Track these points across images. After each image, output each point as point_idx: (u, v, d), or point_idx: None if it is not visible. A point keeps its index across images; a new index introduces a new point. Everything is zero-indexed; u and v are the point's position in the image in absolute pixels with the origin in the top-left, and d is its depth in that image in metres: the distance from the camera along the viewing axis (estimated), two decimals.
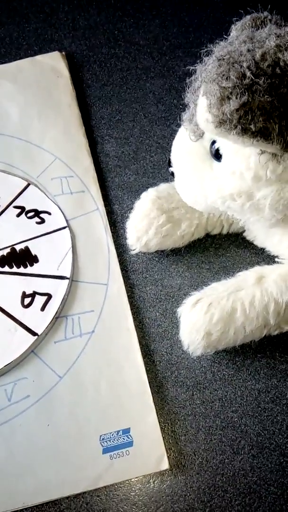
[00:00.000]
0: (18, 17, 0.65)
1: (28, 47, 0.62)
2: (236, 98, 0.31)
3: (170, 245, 0.48)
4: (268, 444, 0.42)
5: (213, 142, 0.38)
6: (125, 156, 0.55)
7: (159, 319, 0.47)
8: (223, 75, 0.32)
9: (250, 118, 0.31)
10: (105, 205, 0.52)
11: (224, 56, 0.33)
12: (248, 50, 0.33)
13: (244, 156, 0.35)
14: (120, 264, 0.49)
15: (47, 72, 0.60)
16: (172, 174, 0.42)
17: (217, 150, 0.37)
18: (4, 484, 0.41)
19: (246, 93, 0.31)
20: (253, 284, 0.42)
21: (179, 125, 0.57)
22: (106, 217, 0.51)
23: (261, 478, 0.41)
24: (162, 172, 0.54)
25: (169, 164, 0.43)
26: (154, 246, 0.47)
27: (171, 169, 0.42)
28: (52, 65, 0.60)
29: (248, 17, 0.38)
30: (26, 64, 0.60)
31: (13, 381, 0.44)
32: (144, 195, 0.48)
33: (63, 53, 0.61)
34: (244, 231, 0.49)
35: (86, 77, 0.60)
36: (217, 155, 0.37)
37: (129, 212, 0.51)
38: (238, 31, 0.38)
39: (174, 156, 0.42)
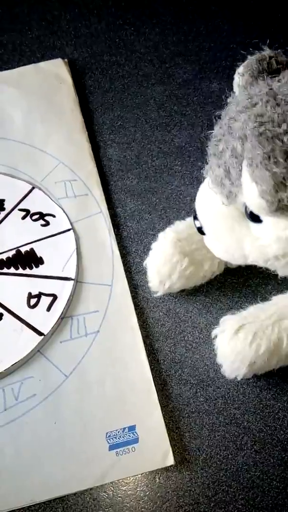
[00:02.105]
0: (20, 24, 0.66)
1: (30, 54, 0.63)
2: None
3: (193, 285, 0.48)
4: (270, 439, 0.43)
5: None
6: (127, 161, 0.57)
7: (163, 319, 0.48)
8: (269, 157, 0.30)
9: None
10: (108, 208, 0.53)
11: (259, 128, 0.32)
12: (279, 115, 0.32)
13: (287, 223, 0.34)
14: (123, 265, 0.50)
15: (50, 79, 0.61)
16: (199, 230, 0.41)
17: (255, 213, 0.36)
18: (12, 481, 0.42)
19: None
20: None
21: (179, 130, 0.59)
22: (109, 219, 0.52)
23: (264, 472, 0.42)
24: (164, 176, 0.55)
25: (194, 218, 0.41)
26: (177, 288, 0.47)
27: (197, 223, 0.40)
28: (55, 72, 0.61)
29: (252, 60, 0.37)
30: (29, 70, 0.61)
31: (20, 380, 0.45)
32: (162, 236, 0.47)
33: (66, 60, 0.62)
34: None
35: (88, 83, 0.62)
36: (253, 217, 0.36)
37: (132, 217, 0.52)
38: (245, 77, 0.37)
39: (203, 216, 0.40)
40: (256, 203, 0.32)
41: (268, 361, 0.42)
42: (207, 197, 0.39)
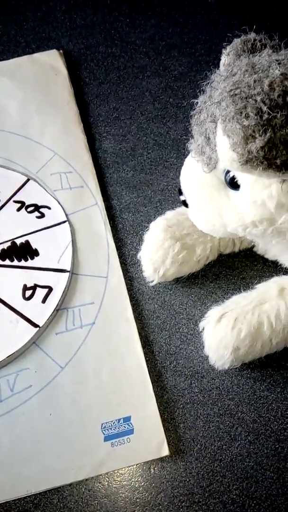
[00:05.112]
0: (15, 15, 0.65)
1: (26, 45, 0.63)
2: (260, 135, 0.31)
3: (187, 271, 0.48)
4: (264, 430, 0.44)
5: (228, 171, 0.37)
6: (123, 153, 0.56)
7: (158, 311, 0.48)
8: (241, 112, 0.32)
9: (275, 153, 0.32)
10: (104, 200, 0.53)
11: (235, 90, 0.33)
12: (255, 81, 0.33)
13: (264, 185, 0.35)
14: (119, 257, 0.50)
15: (45, 70, 0.60)
16: (184, 203, 0.42)
17: (232, 178, 0.37)
18: (8, 472, 0.42)
19: (269, 129, 0.31)
20: (276, 296, 0.43)
21: (175, 123, 0.59)
22: (105, 211, 0.52)
23: (258, 463, 0.43)
24: (159, 168, 0.55)
25: (179, 192, 0.42)
26: (172, 275, 0.47)
27: (182, 197, 0.42)
28: (50, 63, 0.61)
29: (238, 40, 0.38)
30: (24, 61, 0.61)
31: (15, 371, 0.45)
32: (153, 225, 0.48)
33: (61, 51, 0.62)
34: (254, 246, 0.49)
35: (84, 75, 0.61)
36: (232, 184, 0.37)
37: (128, 209, 0.52)
38: (230, 56, 0.38)
39: (186, 186, 0.41)
40: (228, 157, 0.33)
41: (252, 346, 0.42)
42: (190, 169, 0.40)
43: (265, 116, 0.31)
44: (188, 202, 0.41)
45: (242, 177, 0.36)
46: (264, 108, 0.31)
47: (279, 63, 0.34)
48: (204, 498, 0.42)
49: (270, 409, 0.44)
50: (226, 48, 0.38)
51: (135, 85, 0.61)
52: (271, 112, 0.31)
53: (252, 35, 0.38)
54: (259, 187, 0.35)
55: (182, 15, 0.66)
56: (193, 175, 0.40)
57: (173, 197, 0.54)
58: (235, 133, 0.32)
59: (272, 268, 0.50)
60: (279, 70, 0.33)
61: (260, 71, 0.33)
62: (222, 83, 0.35)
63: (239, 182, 0.36)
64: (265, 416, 0.44)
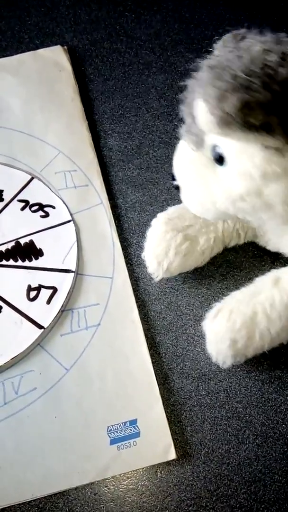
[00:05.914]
0: (19, 10, 0.64)
1: (29, 40, 0.62)
2: (233, 94, 0.32)
3: (192, 264, 0.47)
4: (272, 433, 0.43)
5: (215, 148, 0.37)
6: (128, 151, 0.56)
7: (164, 312, 0.48)
8: (217, 78, 0.33)
9: (250, 113, 0.32)
10: (109, 199, 0.52)
11: (215, 63, 0.34)
12: (237, 57, 0.33)
13: (248, 155, 0.35)
14: (124, 257, 0.50)
15: (49, 66, 0.60)
16: (177, 188, 0.42)
17: (219, 154, 0.37)
18: (13, 476, 0.41)
19: (243, 91, 0.32)
20: (271, 287, 0.42)
21: (181, 120, 0.58)
22: (110, 211, 0.52)
23: (266, 466, 0.42)
24: (165, 166, 0.55)
25: (172, 178, 0.42)
26: (176, 268, 0.46)
27: (175, 182, 0.42)
28: (54, 59, 0.60)
29: (229, 34, 0.38)
30: (28, 57, 0.60)
31: (20, 373, 0.45)
32: (155, 221, 0.47)
33: (65, 47, 0.61)
34: (258, 240, 0.49)
35: (88, 71, 0.61)
36: (220, 160, 0.37)
37: (133, 208, 0.51)
38: (221, 47, 0.38)
39: (177, 168, 0.41)
40: (207, 120, 0.34)
41: (250, 338, 0.41)
42: (182, 152, 0.40)
43: (240, 80, 0.32)
44: (179, 183, 0.41)
45: (227, 150, 0.36)
46: (241, 74, 0.32)
47: (262, 42, 0.34)
48: (212, 502, 0.41)
49: (278, 412, 0.44)
50: (218, 41, 0.38)
51: (141, 82, 0.60)
52: (246, 78, 0.32)
53: (242, 30, 0.38)
54: (243, 158, 0.35)
55: (188, 10, 0.65)
56: (184, 156, 0.40)
57: (179, 196, 0.53)
58: (210, 96, 0.33)
59: (279, 268, 0.49)
60: (260, 47, 0.33)
61: (243, 50, 0.34)
62: (208, 61, 0.35)
63: (224, 155, 0.36)
64: (273, 419, 0.44)
